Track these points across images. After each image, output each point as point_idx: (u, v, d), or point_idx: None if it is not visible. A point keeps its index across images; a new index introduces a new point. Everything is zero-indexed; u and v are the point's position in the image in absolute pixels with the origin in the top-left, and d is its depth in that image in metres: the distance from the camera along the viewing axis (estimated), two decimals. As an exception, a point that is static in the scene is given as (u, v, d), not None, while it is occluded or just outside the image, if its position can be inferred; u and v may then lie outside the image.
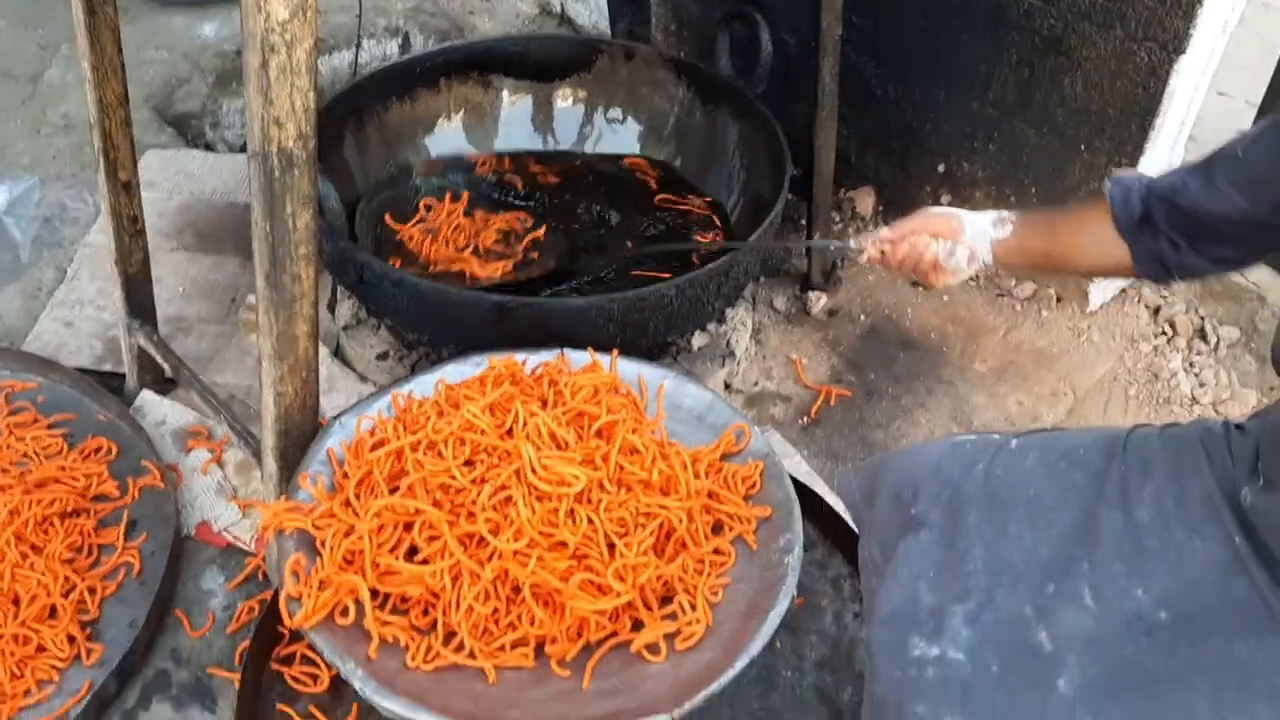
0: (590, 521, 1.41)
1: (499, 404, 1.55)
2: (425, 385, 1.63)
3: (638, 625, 1.40)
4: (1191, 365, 2.36)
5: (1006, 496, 1.20)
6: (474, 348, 1.69)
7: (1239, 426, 1.14)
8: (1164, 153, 2.18)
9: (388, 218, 2.17)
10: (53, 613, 1.62)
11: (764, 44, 2.29)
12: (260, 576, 1.78)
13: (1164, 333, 2.42)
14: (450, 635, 1.36)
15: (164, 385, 2.07)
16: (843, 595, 1.77)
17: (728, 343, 2.20)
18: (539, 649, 1.38)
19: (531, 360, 1.66)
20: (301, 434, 1.52)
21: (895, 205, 2.69)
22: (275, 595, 1.37)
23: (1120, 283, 2.45)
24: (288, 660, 1.62)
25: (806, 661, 1.68)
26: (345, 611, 1.35)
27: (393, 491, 1.44)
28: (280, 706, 1.57)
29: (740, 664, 1.30)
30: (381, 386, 1.77)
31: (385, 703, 1.25)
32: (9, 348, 2.07)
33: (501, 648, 1.36)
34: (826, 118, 2.23)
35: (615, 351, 1.68)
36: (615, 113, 2.48)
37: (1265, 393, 2.31)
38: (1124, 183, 1.31)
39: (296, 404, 1.48)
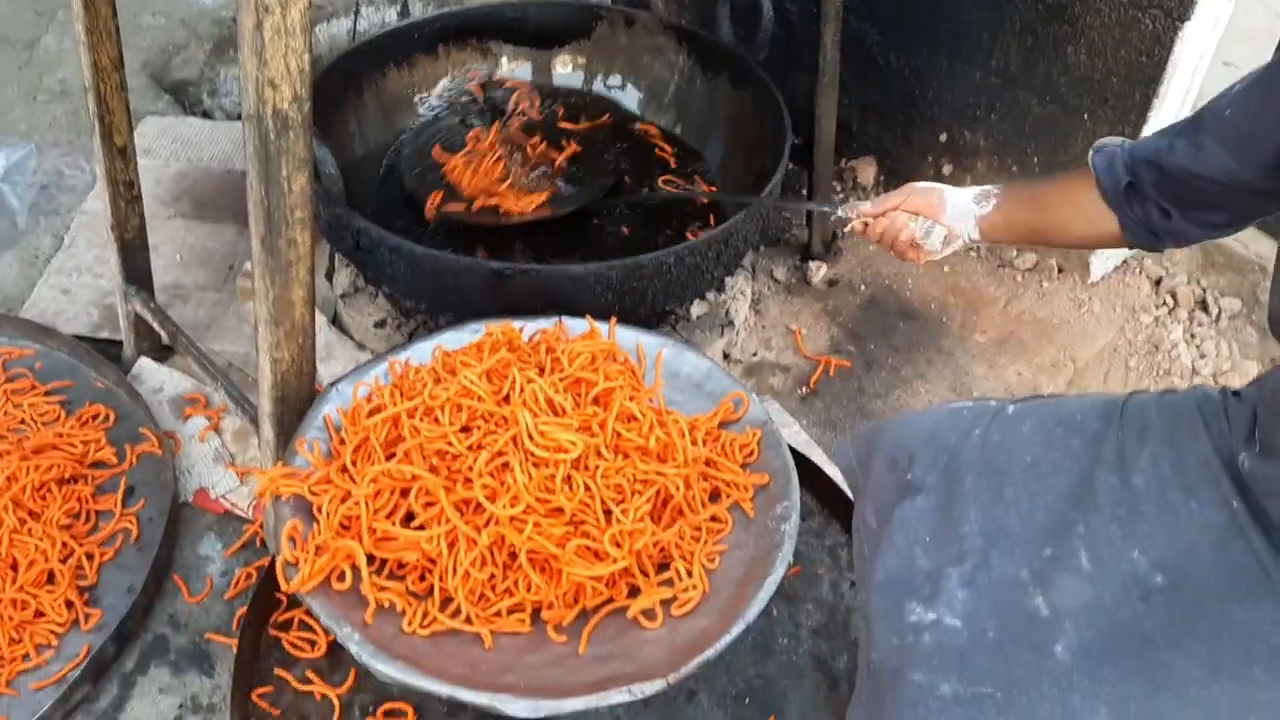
0: (587, 488, 1.41)
1: (496, 370, 1.54)
2: (423, 352, 1.62)
3: (634, 591, 1.40)
4: (1193, 337, 2.36)
5: (1003, 462, 1.19)
6: (472, 315, 1.68)
7: (1236, 393, 1.13)
8: (1167, 122, 2.16)
9: (436, 149, 2.21)
10: (51, 578, 1.62)
11: (765, 11, 2.27)
12: (258, 543, 1.78)
13: (1165, 304, 2.41)
14: (447, 600, 1.36)
15: (161, 352, 2.06)
16: (839, 563, 1.77)
17: (727, 312, 2.19)
18: (535, 614, 1.38)
19: (529, 327, 1.65)
20: (298, 400, 1.52)
21: (897, 175, 2.68)
22: (273, 562, 1.37)
23: (1122, 253, 2.44)
24: (285, 626, 1.62)
25: (803, 629, 1.68)
26: (342, 577, 1.35)
27: (389, 458, 1.44)
28: (278, 671, 1.57)
29: (736, 630, 1.30)
30: (379, 354, 1.76)
31: (382, 667, 1.25)
32: (6, 315, 2.07)
33: (498, 613, 1.36)
34: (828, 86, 2.21)
35: (614, 319, 1.67)
36: (615, 80, 2.46)
37: (1266, 364, 2.30)
38: (1107, 150, 1.29)
39: (293, 370, 1.48)
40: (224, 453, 1.91)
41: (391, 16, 3.11)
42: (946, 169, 2.55)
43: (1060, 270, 2.46)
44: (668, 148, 2.38)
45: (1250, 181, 1.12)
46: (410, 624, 1.33)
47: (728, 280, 2.22)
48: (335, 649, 1.58)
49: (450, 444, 1.43)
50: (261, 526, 1.78)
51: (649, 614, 1.37)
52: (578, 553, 1.37)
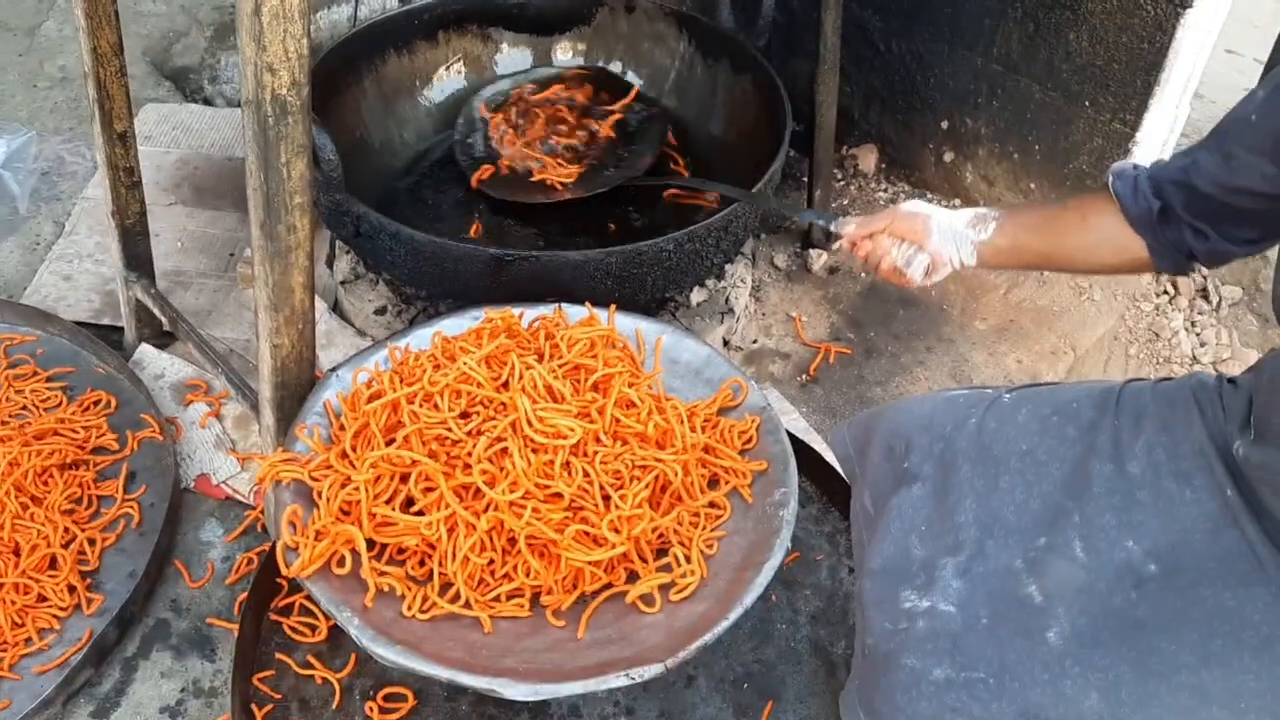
0: (586, 474, 1.41)
1: (495, 357, 1.54)
2: (422, 338, 1.63)
3: (633, 577, 1.41)
4: (1193, 325, 2.36)
5: (999, 450, 1.20)
6: (472, 301, 1.68)
7: (1231, 380, 1.14)
8: (1169, 109, 2.16)
9: (481, 107, 2.26)
10: (53, 563, 1.63)
11: (766, -3, 2.27)
12: (259, 529, 1.79)
13: (1165, 292, 2.41)
14: (446, 585, 1.37)
15: (162, 339, 2.07)
16: (838, 550, 1.78)
17: (727, 299, 2.19)
18: (534, 599, 1.39)
19: (529, 314, 1.66)
20: (299, 386, 1.52)
21: (898, 163, 2.68)
22: (273, 547, 1.37)
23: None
24: (286, 611, 1.63)
25: (801, 615, 1.69)
26: (342, 562, 1.35)
27: (389, 443, 1.44)
28: (279, 656, 1.58)
29: (734, 615, 1.30)
30: (378, 340, 1.77)
31: (381, 651, 1.26)
32: (8, 301, 2.07)
33: (497, 598, 1.37)
34: (828, 73, 2.21)
35: (613, 306, 1.68)
36: (615, 66, 2.46)
37: (1265, 352, 2.30)
38: (1127, 175, 1.24)
39: (293, 356, 1.48)
40: (225, 439, 1.91)
41: (393, 2, 3.10)
42: (948, 156, 2.55)
43: (1061, 258, 2.46)
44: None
45: None
46: (410, 608, 1.34)
47: (728, 267, 2.22)
48: (336, 633, 1.58)
49: (450, 430, 1.43)
50: (262, 512, 1.78)
51: (647, 599, 1.37)
52: (576, 538, 1.38)
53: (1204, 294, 2.41)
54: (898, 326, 2.33)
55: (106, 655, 1.61)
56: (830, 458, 1.82)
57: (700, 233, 1.85)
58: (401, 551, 1.41)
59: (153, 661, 1.63)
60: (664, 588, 1.38)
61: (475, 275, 1.79)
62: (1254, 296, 2.39)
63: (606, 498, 1.42)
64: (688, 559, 1.41)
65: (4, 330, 2.00)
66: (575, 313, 1.67)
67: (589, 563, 1.37)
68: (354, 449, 1.45)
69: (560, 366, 1.53)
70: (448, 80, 2.40)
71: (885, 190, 2.65)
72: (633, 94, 2.32)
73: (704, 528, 1.45)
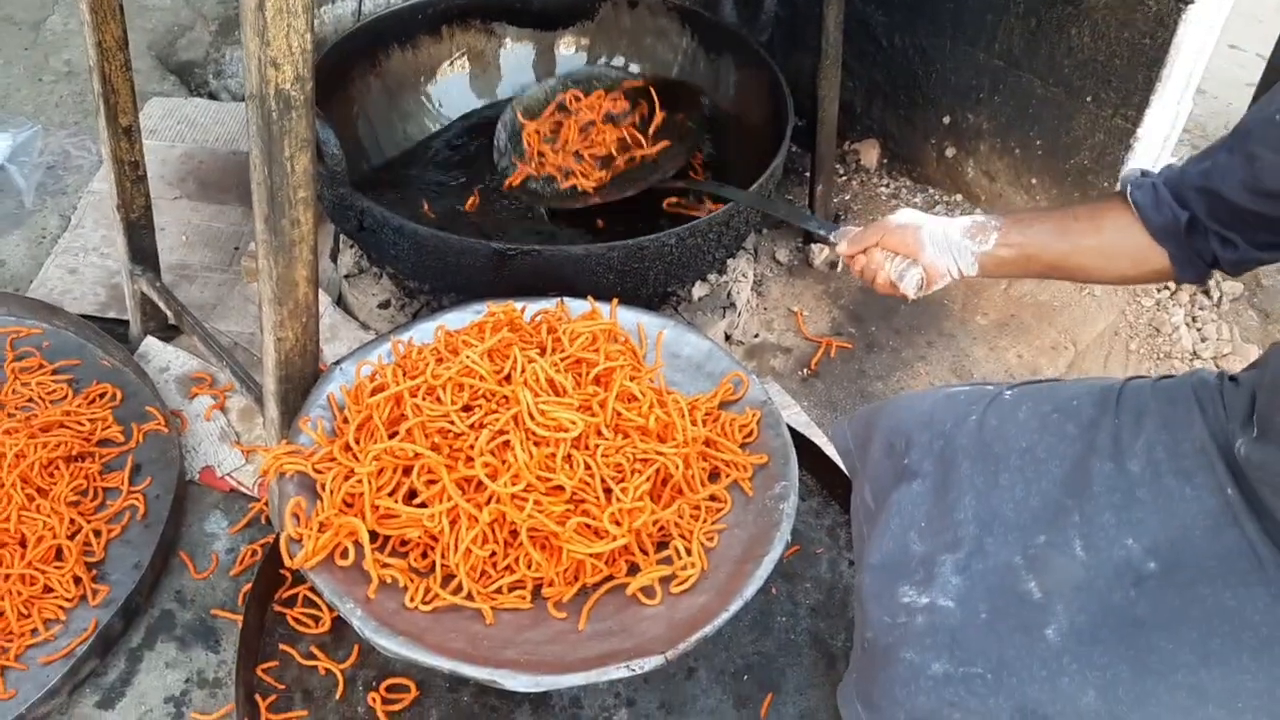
0: (587, 466, 1.42)
1: (498, 350, 1.55)
2: (425, 332, 1.64)
3: (634, 569, 1.42)
4: (1194, 320, 2.36)
5: (999, 447, 1.20)
6: (475, 295, 1.69)
7: (1233, 378, 1.14)
8: (1170, 105, 2.16)
9: (519, 114, 2.25)
10: (59, 554, 1.64)
11: (768, -9, 2.28)
12: (263, 521, 1.80)
13: (1166, 287, 2.42)
14: (448, 577, 1.38)
15: (168, 332, 2.08)
16: (838, 543, 1.79)
17: (728, 294, 2.20)
18: (536, 591, 1.40)
19: (531, 308, 1.67)
20: (302, 379, 1.53)
21: (900, 158, 2.68)
22: (277, 539, 1.38)
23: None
24: (290, 602, 1.64)
25: (801, 608, 1.70)
26: (345, 554, 1.36)
27: (392, 436, 1.45)
28: (283, 647, 1.59)
29: (734, 608, 1.31)
30: (382, 334, 1.78)
31: (384, 642, 1.27)
32: (14, 294, 2.08)
33: (499, 590, 1.38)
34: (830, 68, 2.21)
35: (615, 300, 1.69)
36: (618, 61, 2.46)
37: (1266, 347, 2.30)
38: (1144, 184, 1.20)
39: (297, 349, 1.49)
40: (230, 431, 1.92)
41: (396, -3, 3.11)
42: (949, 151, 2.56)
43: (1062, 253, 2.46)
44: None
45: None
46: (412, 600, 1.35)
47: (729, 262, 2.23)
48: (339, 625, 1.60)
49: (452, 423, 1.44)
50: (267, 504, 1.80)
51: (648, 591, 1.38)
52: (578, 531, 1.39)
53: (1205, 289, 2.41)
54: (899, 321, 2.34)
55: (112, 646, 1.63)
56: (831, 451, 1.83)
57: (702, 228, 1.86)
58: (404, 543, 1.42)
59: (157, 652, 1.64)
60: (664, 580, 1.39)
61: (478, 269, 1.80)
62: (1255, 292, 2.40)
63: (608, 490, 1.42)
64: (688, 551, 1.42)
65: (10, 323, 2.01)
66: (577, 306, 1.68)
67: (590, 555, 1.38)
68: (357, 442, 1.46)
69: (562, 360, 1.54)
70: (451, 75, 2.40)
71: (887, 185, 2.66)
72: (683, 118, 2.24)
73: (704, 521, 1.46)
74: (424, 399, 1.48)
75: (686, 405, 1.54)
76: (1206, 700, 0.99)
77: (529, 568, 1.38)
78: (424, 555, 1.41)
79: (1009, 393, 1.26)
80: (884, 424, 1.36)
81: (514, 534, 1.39)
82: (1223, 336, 2.32)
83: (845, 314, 2.35)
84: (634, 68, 2.46)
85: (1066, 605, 1.07)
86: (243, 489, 1.84)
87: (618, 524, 1.40)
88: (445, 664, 1.25)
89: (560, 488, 1.40)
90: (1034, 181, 2.42)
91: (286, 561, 1.35)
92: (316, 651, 1.58)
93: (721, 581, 1.38)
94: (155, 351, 2.04)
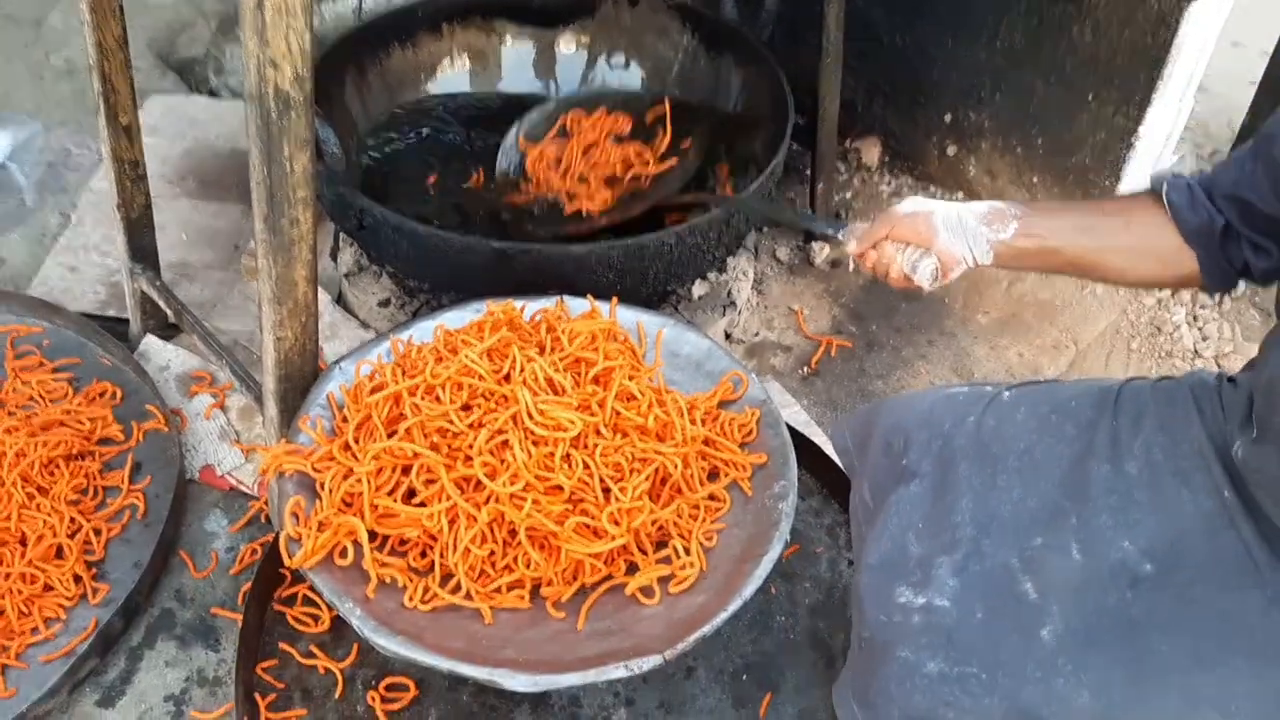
0: (586, 466, 1.42)
1: (497, 349, 1.55)
2: (425, 331, 1.64)
3: (633, 569, 1.42)
4: (1195, 319, 2.36)
5: (997, 448, 1.20)
6: (474, 294, 1.69)
7: (1231, 379, 1.13)
8: (1172, 104, 2.16)
9: (520, 140, 2.18)
10: (59, 553, 1.64)
11: (769, -11, 2.27)
12: (263, 519, 1.80)
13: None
14: (447, 577, 1.38)
15: (167, 330, 2.08)
16: (838, 542, 1.79)
17: (729, 292, 2.20)
18: (535, 591, 1.40)
19: (531, 307, 1.67)
20: (302, 378, 1.53)
21: (901, 155, 2.68)
22: (277, 538, 1.39)
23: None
24: (289, 601, 1.64)
25: (800, 607, 1.70)
26: (344, 553, 1.37)
27: (391, 435, 1.45)
28: (282, 646, 1.60)
29: (732, 607, 1.31)
30: (381, 332, 1.78)
31: (383, 642, 1.27)
32: (14, 292, 2.08)
33: (498, 589, 1.38)
34: (831, 65, 2.21)
35: (615, 299, 1.68)
36: (618, 59, 2.46)
37: (1261, 343, 2.30)
38: (1179, 184, 1.17)
39: (296, 348, 1.49)
40: (229, 430, 1.93)
41: (397, -6, 3.11)
42: (951, 149, 2.55)
43: (1063, 251, 2.46)
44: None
45: None
46: (411, 599, 1.35)
47: (730, 260, 2.23)
48: (338, 624, 1.60)
49: (451, 422, 1.44)
50: (266, 503, 1.80)
51: (647, 591, 1.38)
52: (576, 530, 1.39)
53: (1207, 288, 2.41)
54: (899, 320, 2.33)
55: (112, 645, 1.63)
56: (831, 450, 1.83)
57: (702, 226, 1.86)
58: (403, 543, 1.42)
59: (157, 651, 1.64)
60: (663, 580, 1.40)
61: (477, 268, 1.80)
62: (1256, 290, 2.39)
63: (606, 490, 1.43)
64: (687, 551, 1.42)
65: (11, 322, 2.01)
66: (577, 305, 1.68)
67: (589, 555, 1.38)
68: (356, 441, 1.46)
69: (561, 359, 1.54)
70: (452, 72, 2.40)
71: (888, 183, 2.66)
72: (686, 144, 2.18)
73: (703, 520, 1.46)
74: (423, 398, 1.48)
75: (685, 404, 1.54)
76: (1200, 702, 0.99)
77: (528, 567, 1.38)
78: (423, 554, 1.41)
79: (1008, 393, 1.26)
80: (883, 423, 1.36)
81: (513, 533, 1.39)
82: (1224, 335, 2.32)
83: (846, 312, 2.35)
84: (634, 65, 2.45)
85: (1062, 606, 1.07)
86: (242, 488, 1.84)
87: (616, 523, 1.40)
88: (444, 663, 1.25)
89: (559, 487, 1.40)
90: (1035, 180, 2.41)
91: (286, 561, 1.35)
92: (316, 650, 1.59)
93: (720, 581, 1.38)
94: (155, 350, 2.04)
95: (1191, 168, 2.67)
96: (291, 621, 1.62)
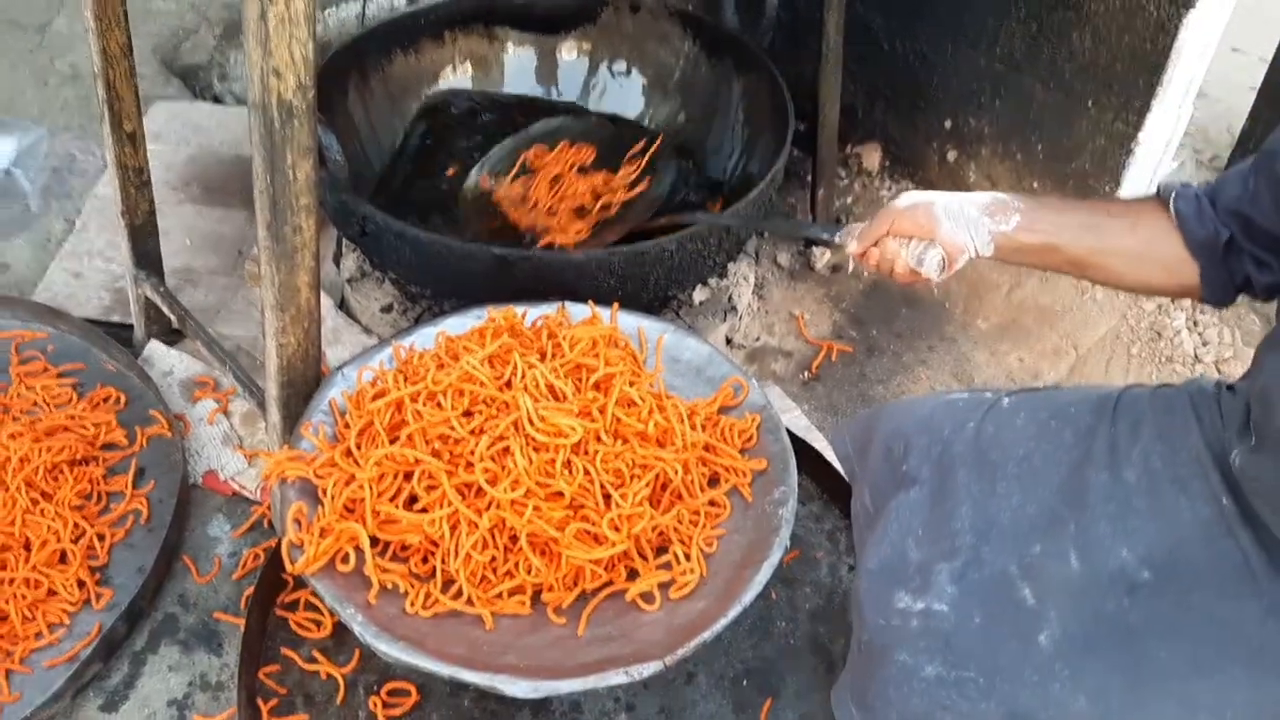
0: (586, 472, 1.43)
1: (498, 356, 1.56)
2: (426, 337, 1.64)
3: (633, 574, 1.42)
4: (1195, 324, 2.36)
5: (996, 455, 1.20)
6: (476, 300, 1.70)
7: (1230, 387, 1.14)
8: (1171, 110, 2.16)
9: (482, 179, 2.15)
10: (63, 558, 1.65)
11: (769, -4, 2.28)
12: (265, 524, 1.81)
13: (1168, 291, 2.41)
14: (449, 582, 1.39)
15: (171, 336, 2.09)
16: (838, 548, 1.79)
17: (730, 298, 2.21)
18: (536, 596, 1.40)
19: (532, 313, 1.67)
20: (304, 384, 1.54)
21: (902, 161, 2.69)
22: (279, 543, 1.39)
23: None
24: (292, 606, 1.65)
25: (801, 612, 1.71)
26: (346, 559, 1.37)
27: (393, 441, 1.46)
28: (285, 651, 1.60)
29: (733, 613, 1.32)
30: (384, 338, 1.79)
31: (384, 647, 1.28)
32: (19, 298, 2.09)
33: (499, 595, 1.39)
34: (831, 72, 2.22)
35: (616, 305, 1.69)
36: (620, 66, 2.47)
37: (1255, 351, 2.31)
38: (1187, 194, 1.17)
39: (299, 354, 1.50)
40: (233, 435, 1.93)
41: (401, 1, 3.12)
42: (951, 155, 2.56)
43: (1064, 257, 2.46)
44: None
45: None
46: (413, 605, 1.36)
47: (730, 266, 2.24)
48: (340, 629, 1.60)
49: (452, 428, 1.45)
50: (269, 508, 1.80)
51: (647, 597, 1.39)
52: (577, 536, 1.39)
53: (1207, 293, 2.41)
54: (900, 325, 2.34)
55: (115, 649, 1.63)
56: (831, 456, 1.83)
57: (703, 232, 1.86)
58: (404, 549, 1.43)
59: (160, 656, 1.65)
60: (664, 585, 1.40)
61: (479, 274, 1.81)
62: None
63: (607, 496, 1.43)
64: (687, 557, 1.42)
65: (15, 327, 2.02)
66: (578, 311, 1.69)
67: (589, 560, 1.39)
68: (358, 447, 1.47)
69: (562, 365, 1.55)
70: (454, 79, 2.41)
71: (889, 188, 2.66)
72: (654, 147, 2.16)
73: (704, 526, 1.47)
74: (425, 405, 1.49)
75: (686, 410, 1.55)
76: (1197, 709, 1.00)
77: (529, 573, 1.39)
78: (424, 560, 1.42)
79: (1007, 400, 1.27)
80: (883, 429, 1.36)
81: (514, 539, 1.40)
82: (1224, 341, 2.32)
83: (846, 318, 2.36)
84: (636, 72, 2.46)
85: (1060, 613, 1.08)
86: (245, 493, 1.85)
87: (617, 529, 1.41)
88: (445, 670, 1.25)
89: (560, 493, 1.41)
90: (1035, 185, 2.42)
91: (288, 567, 1.36)
92: (318, 655, 1.59)
93: (720, 587, 1.39)
94: (159, 355, 2.05)
95: (1191, 174, 2.67)
96: (294, 627, 1.63)
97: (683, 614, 1.37)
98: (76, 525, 1.68)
